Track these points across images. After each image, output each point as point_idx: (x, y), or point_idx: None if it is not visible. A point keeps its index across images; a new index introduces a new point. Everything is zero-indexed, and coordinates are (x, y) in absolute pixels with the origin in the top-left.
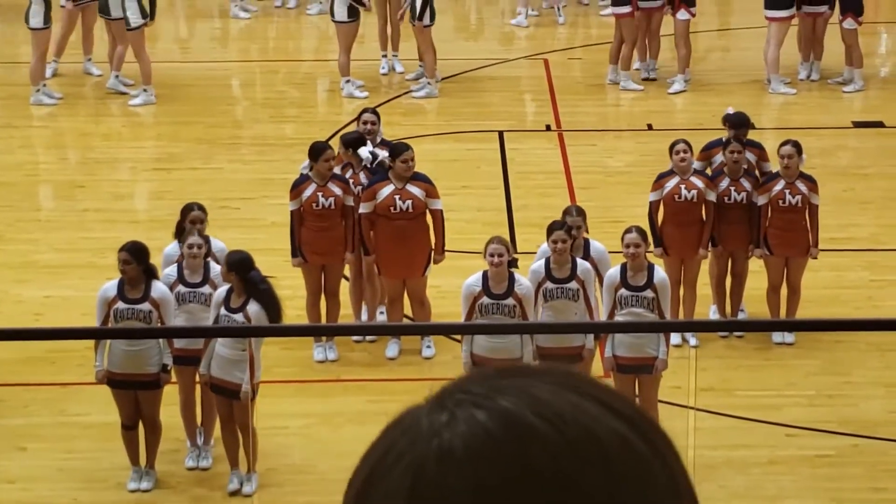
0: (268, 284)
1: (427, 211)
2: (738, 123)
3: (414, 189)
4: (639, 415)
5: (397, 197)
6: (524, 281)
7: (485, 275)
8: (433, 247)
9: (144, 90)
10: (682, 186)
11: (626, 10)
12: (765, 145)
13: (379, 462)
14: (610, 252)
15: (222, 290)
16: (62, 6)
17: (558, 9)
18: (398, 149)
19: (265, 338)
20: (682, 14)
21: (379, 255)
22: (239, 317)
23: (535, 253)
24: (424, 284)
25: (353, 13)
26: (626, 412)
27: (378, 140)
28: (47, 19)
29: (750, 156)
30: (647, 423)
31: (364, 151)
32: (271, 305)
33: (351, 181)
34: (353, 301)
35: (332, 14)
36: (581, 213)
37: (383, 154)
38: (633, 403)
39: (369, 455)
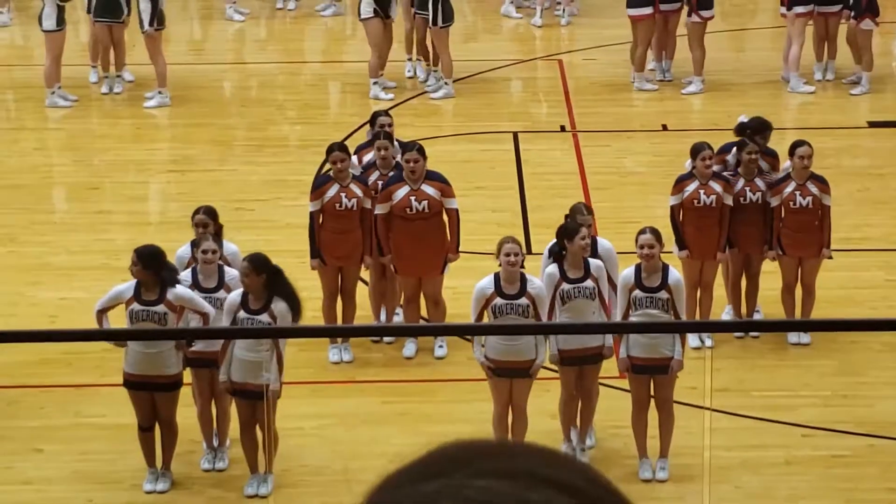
0: (285, 276)
1: (443, 210)
2: (761, 128)
3: (429, 189)
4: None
5: (413, 198)
6: (536, 280)
7: (496, 276)
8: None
9: (159, 92)
10: (702, 192)
11: (647, 11)
12: (780, 146)
13: None
14: (623, 253)
15: (235, 294)
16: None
17: (563, 10)
18: (406, 147)
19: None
20: (694, 17)
21: (396, 255)
22: (264, 317)
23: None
24: (440, 284)
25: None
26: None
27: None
28: (60, 21)
29: (762, 164)
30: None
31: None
32: (293, 300)
33: (380, 182)
34: (374, 302)
35: (359, 13)
36: (590, 211)
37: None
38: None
39: None
